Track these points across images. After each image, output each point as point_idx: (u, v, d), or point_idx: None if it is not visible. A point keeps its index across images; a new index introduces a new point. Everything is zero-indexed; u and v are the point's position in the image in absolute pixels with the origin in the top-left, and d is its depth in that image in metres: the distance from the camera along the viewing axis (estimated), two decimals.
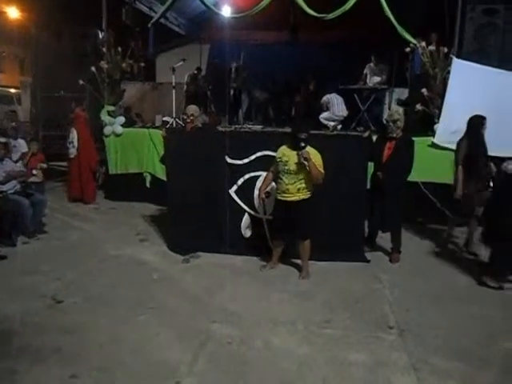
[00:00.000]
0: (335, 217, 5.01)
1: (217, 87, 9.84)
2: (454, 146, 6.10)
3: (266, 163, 4.97)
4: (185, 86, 9.52)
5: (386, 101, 8.61)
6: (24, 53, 20.40)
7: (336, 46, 10.16)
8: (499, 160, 5.02)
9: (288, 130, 5.23)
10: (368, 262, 5.05)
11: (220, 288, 4.35)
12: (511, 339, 3.49)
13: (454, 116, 6.20)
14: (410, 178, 5.18)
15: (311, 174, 4.36)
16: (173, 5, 7.80)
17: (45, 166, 6.78)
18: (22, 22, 15.11)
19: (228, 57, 9.88)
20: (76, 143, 7.43)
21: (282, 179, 4.53)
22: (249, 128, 8.07)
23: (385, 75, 8.68)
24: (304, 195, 4.50)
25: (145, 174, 7.46)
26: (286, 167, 4.45)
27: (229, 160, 5.24)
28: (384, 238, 5.44)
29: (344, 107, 8.16)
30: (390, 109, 7.96)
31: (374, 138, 5.41)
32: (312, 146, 4.43)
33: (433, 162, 6.19)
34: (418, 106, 6.62)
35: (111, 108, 7.64)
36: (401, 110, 5.57)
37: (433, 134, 6.37)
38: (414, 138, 5.21)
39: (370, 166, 5.16)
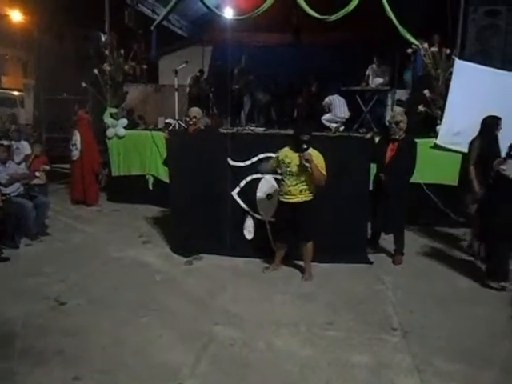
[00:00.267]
0: (338, 218, 5.00)
1: (219, 89, 9.85)
2: (456, 147, 6.12)
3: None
4: (187, 89, 9.53)
5: (389, 102, 8.60)
6: (27, 56, 20.48)
7: (338, 47, 10.16)
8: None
9: (290, 131, 5.23)
10: (371, 263, 5.04)
11: (222, 290, 4.34)
12: None
13: (456, 117, 6.21)
14: (413, 180, 5.17)
15: (313, 176, 4.35)
16: (175, 7, 7.81)
17: (48, 168, 6.80)
18: (24, 25, 15.17)
19: (230, 59, 9.89)
20: (79, 145, 7.45)
21: (284, 181, 4.53)
22: (251, 130, 8.08)
23: (387, 76, 8.68)
24: (306, 197, 4.50)
25: (147, 176, 7.47)
26: (289, 169, 4.45)
27: (231, 162, 5.25)
28: (387, 240, 5.43)
29: (346, 109, 8.16)
30: (392, 110, 7.96)
31: (377, 139, 5.40)
32: (314, 148, 4.43)
33: (435, 163, 6.19)
34: (421, 108, 6.61)
35: (114, 110, 7.65)
36: (400, 110, 5.57)
37: (435, 135, 6.35)
38: (416, 140, 5.20)
39: (373, 167, 5.15)
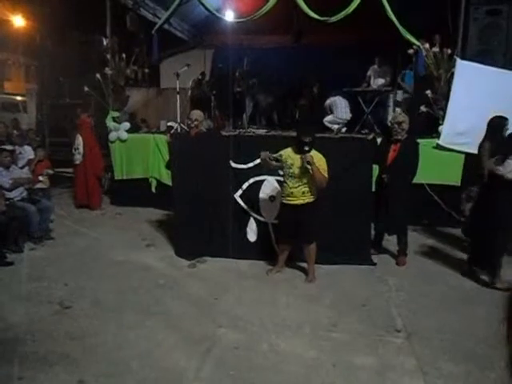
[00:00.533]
0: (341, 220, 5.00)
1: (221, 92, 9.86)
2: (459, 148, 6.11)
3: (272, 169, 4.97)
4: (189, 91, 9.55)
5: (390, 103, 8.59)
6: (29, 60, 20.57)
7: (339, 48, 10.14)
8: None
9: (292, 133, 5.24)
10: (374, 265, 5.03)
11: (226, 292, 4.34)
12: None
13: (458, 117, 6.19)
14: (416, 180, 5.15)
15: (314, 178, 4.35)
16: (176, 11, 7.84)
17: (51, 172, 6.83)
18: (27, 30, 15.23)
19: (232, 61, 9.90)
20: (82, 149, 7.48)
21: (286, 183, 4.53)
22: (253, 132, 8.08)
23: (388, 77, 8.67)
24: (309, 198, 4.50)
25: (150, 180, 7.49)
26: (291, 170, 4.45)
27: (233, 164, 5.26)
28: (390, 241, 5.42)
29: (348, 110, 8.15)
30: (393, 111, 7.95)
31: (379, 140, 5.40)
32: (317, 150, 4.43)
33: (438, 163, 6.17)
34: (423, 108, 6.60)
35: (116, 114, 7.68)
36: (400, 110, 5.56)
37: (437, 135, 6.34)
38: (418, 140, 5.20)
39: (375, 168, 5.15)
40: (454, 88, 6.23)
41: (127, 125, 7.67)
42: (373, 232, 5.34)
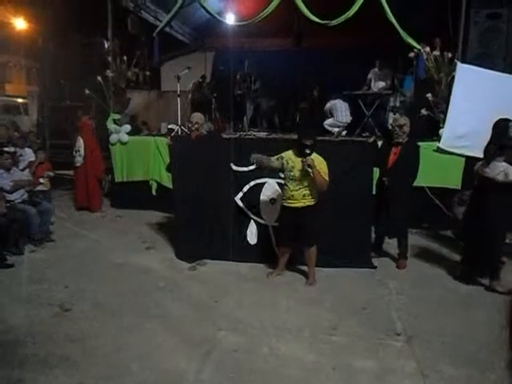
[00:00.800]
0: (341, 223, 5.00)
1: (222, 94, 9.88)
2: (459, 151, 6.11)
3: (271, 170, 4.98)
4: (189, 94, 9.56)
5: (390, 106, 8.60)
6: (31, 63, 20.63)
7: (340, 51, 10.15)
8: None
9: (293, 136, 5.24)
10: (375, 268, 5.03)
11: (226, 295, 4.34)
12: None
13: (459, 121, 6.20)
14: (416, 183, 5.16)
15: (315, 182, 4.36)
16: (177, 14, 7.86)
17: (52, 174, 6.83)
18: (28, 32, 15.27)
19: (233, 64, 9.92)
20: (82, 152, 7.48)
21: (287, 185, 4.53)
22: (254, 135, 8.09)
23: (389, 80, 8.68)
24: (309, 201, 4.50)
25: (151, 182, 7.49)
26: (292, 173, 4.45)
27: (234, 167, 5.27)
28: (391, 244, 5.42)
29: (348, 113, 8.16)
30: (388, 116, 7.98)
31: (379, 143, 5.40)
32: (317, 153, 4.43)
33: (438, 166, 6.17)
34: (423, 111, 6.61)
35: (117, 116, 7.69)
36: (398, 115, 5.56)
37: (438, 138, 6.35)
38: (419, 143, 5.20)
39: (376, 171, 5.15)
40: (455, 91, 6.24)
41: (128, 127, 7.68)
42: (373, 235, 5.34)
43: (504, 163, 4.33)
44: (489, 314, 3.95)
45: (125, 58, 7.70)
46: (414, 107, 7.45)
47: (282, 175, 4.67)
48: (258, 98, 10.04)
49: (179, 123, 7.85)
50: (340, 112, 8.08)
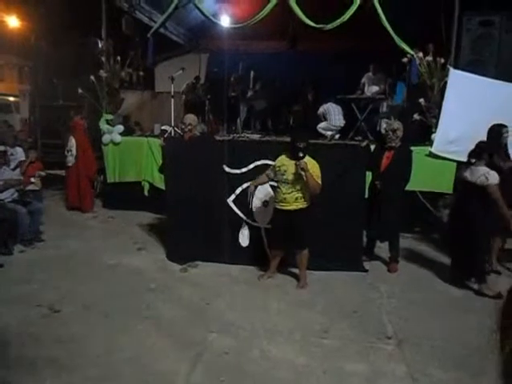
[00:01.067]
0: (333, 226, 5.01)
1: (215, 96, 9.88)
2: (451, 156, 6.16)
3: (264, 172, 4.98)
4: (183, 96, 9.55)
5: (384, 111, 8.65)
6: (23, 61, 20.48)
7: (335, 55, 10.20)
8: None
9: (286, 139, 5.25)
10: (366, 271, 5.05)
11: (217, 297, 4.33)
12: None
13: (451, 126, 6.25)
14: (408, 188, 5.19)
15: (308, 185, 4.36)
16: (172, 15, 7.85)
17: (43, 174, 6.77)
18: (21, 30, 15.17)
19: (227, 66, 9.93)
20: (74, 152, 7.44)
21: (279, 188, 4.54)
22: (247, 137, 8.09)
23: (383, 85, 8.73)
24: (302, 204, 4.50)
25: (143, 183, 7.45)
26: (284, 176, 4.45)
27: (227, 169, 5.26)
28: (382, 248, 5.44)
29: (341, 117, 8.19)
30: (389, 119, 8.00)
31: (372, 147, 5.43)
32: (310, 156, 4.45)
33: (430, 171, 6.21)
34: (416, 116, 6.66)
35: (110, 117, 7.65)
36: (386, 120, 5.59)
37: (430, 143, 6.39)
38: (411, 148, 5.24)
39: (368, 175, 5.17)
40: (447, 97, 6.29)
41: (121, 128, 7.64)
42: (365, 239, 5.36)
43: (484, 167, 4.39)
44: (479, 318, 3.96)
45: (118, 58, 7.66)
46: (407, 112, 7.50)
47: (275, 178, 4.66)
48: (252, 101, 10.05)
49: (172, 124, 7.83)
50: (333, 116, 8.11)
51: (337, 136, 8.12)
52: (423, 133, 6.66)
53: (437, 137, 6.34)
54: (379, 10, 6.54)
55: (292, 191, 4.46)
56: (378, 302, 4.35)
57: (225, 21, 8.64)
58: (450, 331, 3.75)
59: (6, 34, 18.03)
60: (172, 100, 7.90)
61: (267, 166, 4.99)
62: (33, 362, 3.18)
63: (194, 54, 11.70)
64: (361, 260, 5.18)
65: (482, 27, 7.20)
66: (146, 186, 7.41)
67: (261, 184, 4.79)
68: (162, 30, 8.86)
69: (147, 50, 8.12)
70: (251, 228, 5.25)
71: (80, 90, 7.66)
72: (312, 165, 4.38)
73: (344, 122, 8.21)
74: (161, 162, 5.89)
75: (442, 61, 6.38)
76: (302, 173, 4.29)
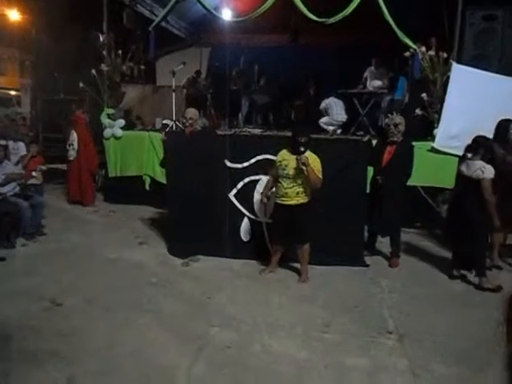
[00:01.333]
0: (334, 221, 4.99)
1: (217, 90, 9.85)
2: (453, 151, 6.12)
3: (265, 167, 4.98)
4: (184, 90, 9.52)
5: (386, 105, 8.62)
6: (24, 55, 20.44)
7: (337, 49, 10.18)
8: None
9: (288, 133, 5.24)
10: (367, 266, 5.04)
11: (219, 292, 4.34)
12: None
13: (453, 121, 6.22)
14: (410, 183, 5.18)
15: (309, 179, 4.36)
16: (173, 8, 7.81)
17: (44, 168, 6.78)
18: (22, 24, 15.14)
19: (228, 60, 9.90)
20: (76, 146, 7.43)
21: (280, 183, 4.53)
22: (248, 132, 8.07)
23: (385, 79, 8.69)
24: (303, 199, 4.50)
25: (144, 177, 7.45)
26: (285, 171, 4.45)
27: (228, 164, 5.25)
28: (383, 243, 5.44)
29: (343, 112, 8.16)
30: (381, 117, 8.01)
31: (374, 142, 5.41)
32: (312, 151, 4.43)
33: (432, 166, 6.19)
34: (418, 111, 6.63)
35: (111, 111, 7.64)
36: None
37: (432, 138, 6.37)
38: (413, 143, 5.22)
39: (370, 170, 5.16)
40: (449, 92, 6.26)
41: (122, 122, 7.64)
42: (366, 233, 5.35)
43: (480, 161, 4.39)
44: (480, 312, 3.99)
45: (120, 51, 7.64)
46: (409, 107, 7.48)
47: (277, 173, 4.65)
48: (254, 95, 10.02)
49: (174, 118, 7.82)
50: (335, 111, 8.07)
51: (338, 131, 8.10)
52: (425, 128, 6.64)
53: (439, 132, 6.32)
54: (381, 4, 6.49)
55: (293, 186, 4.45)
56: (379, 296, 4.35)
57: (226, 14, 8.61)
58: (452, 326, 3.75)
59: (7, 28, 18.01)
60: (173, 94, 7.88)
61: (268, 160, 4.98)
62: (34, 355, 3.19)
63: (195, 48, 11.68)
64: (362, 255, 5.18)
65: (485, 21, 7.16)
66: (148, 181, 7.42)
67: (270, 188, 4.76)
68: (163, 24, 8.83)
69: (148, 43, 8.11)
70: (252, 222, 5.25)
71: (81, 84, 7.65)
72: (313, 159, 4.37)
73: (346, 116, 8.18)
74: (162, 156, 5.88)
75: (445, 55, 6.34)
76: (303, 167, 4.28)
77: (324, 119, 8.21)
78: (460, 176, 4.60)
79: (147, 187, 7.42)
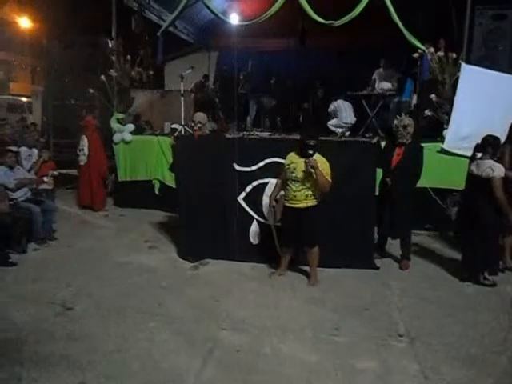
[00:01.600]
0: (344, 223, 4.98)
1: (225, 94, 9.89)
2: (463, 152, 6.08)
3: (274, 170, 4.98)
4: (192, 94, 9.57)
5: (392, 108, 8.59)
6: (35, 62, 20.69)
7: (344, 52, 10.17)
8: None
9: (296, 136, 5.24)
10: (377, 268, 5.02)
11: (228, 295, 4.34)
12: None
13: (463, 122, 6.18)
14: (420, 184, 5.15)
15: (318, 182, 4.35)
16: (181, 13, 7.87)
17: (56, 173, 6.85)
18: (33, 31, 15.35)
19: (236, 64, 9.94)
20: (86, 151, 7.50)
21: (289, 186, 4.53)
22: (257, 135, 8.09)
23: (394, 81, 8.66)
24: (312, 202, 4.49)
25: (153, 181, 7.50)
26: (294, 174, 4.45)
27: (237, 167, 5.26)
28: (393, 245, 5.40)
29: (352, 114, 8.15)
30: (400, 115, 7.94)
31: (383, 144, 5.39)
32: (320, 153, 4.43)
33: (442, 167, 6.16)
34: (427, 112, 6.59)
35: (121, 116, 7.71)
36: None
37: (442, 139, 6.33)
38: (423, 144, 5.19)
39: (379, 172, 5.14)
40: (459, 92, 6.22)
41: (131, 126, 7.70)
42: (376, 236, 5.33)
43: (490, 160, 4.36)
44: (492, 315, 3.94)
45: (128, 57, 7.72)
46: (418, 108, 7.44)
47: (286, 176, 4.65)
48: (261, 98, 10.04)
49: (182, 123, 7.86)
50: (344, 113, 8.07)
51: (347, 133, 8.08)
52: (435, 129, 6.60)
53: (449, 133, 6.28)
54: (389, 5, 6.47)
55: (302, 189, 4.45)
56: (390, 299, 4.32)
57: (234, 19, 8.64)
58: (463, 329, 3.72)
59: (18, 35, 18.25)
60: (182, 98, 7.92)
61: (277, 163, 4.99)
62: (46, 359, 3.22)
63: (203, 52, 11.74)
64: (372, 257, 5.15)
65: (494, 21, 7.12)
66: (157, 185, 7.46)
67: (279, 191, 4.77)
68: (171, 29, 8.91)
69: (157, 48, 8.17)
70: (262, 226, 5.25)
71: (91, 90, 7.73)
72: (322, 162, 4.36)
73: (355, 118, 8.17)
74: (171, 160, 5.91)
75: (454, 56, 6.31)
76: (312, 170, 4.28)
77: (333, 121, 8.21)
78: (470, 176, 4.58)
79: (156, 191, 7.47)
